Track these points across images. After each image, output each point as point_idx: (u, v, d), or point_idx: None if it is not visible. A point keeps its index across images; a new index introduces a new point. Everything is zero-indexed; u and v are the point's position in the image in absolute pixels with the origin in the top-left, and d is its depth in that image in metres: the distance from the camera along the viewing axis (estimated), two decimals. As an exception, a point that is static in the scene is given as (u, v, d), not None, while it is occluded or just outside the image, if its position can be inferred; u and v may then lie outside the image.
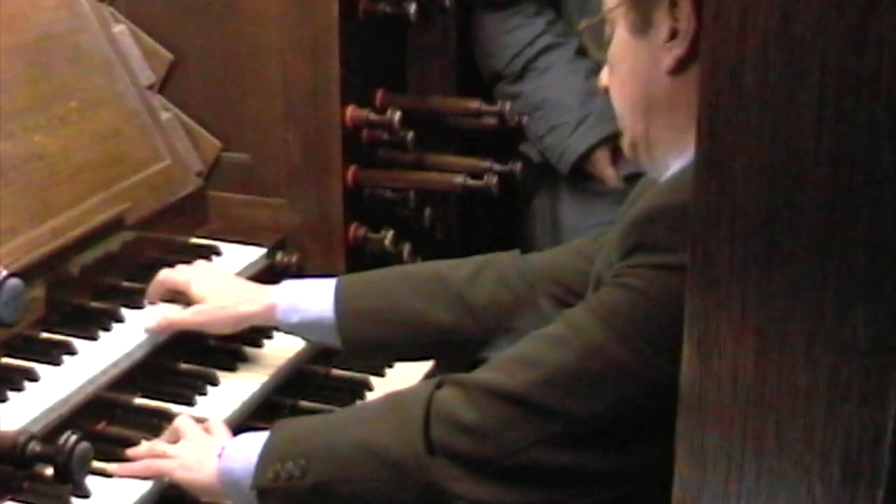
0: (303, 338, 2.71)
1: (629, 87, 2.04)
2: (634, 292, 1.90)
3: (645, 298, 1.88)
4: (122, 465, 2.35)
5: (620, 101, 2.08)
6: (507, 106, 3.07)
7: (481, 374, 2.07)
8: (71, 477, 1.61)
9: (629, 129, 2.07)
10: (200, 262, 2.82)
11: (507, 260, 2.55)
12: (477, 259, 2.58)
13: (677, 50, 1.92)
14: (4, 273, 1.46)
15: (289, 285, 2.65)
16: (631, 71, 2.02)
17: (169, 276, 2.72)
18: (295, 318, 2.60)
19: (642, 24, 1.97)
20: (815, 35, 0.94)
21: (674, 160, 2.00)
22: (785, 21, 0.97)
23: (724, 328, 1.07)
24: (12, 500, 2.19)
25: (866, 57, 0.92)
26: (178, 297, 2.72)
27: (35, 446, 1.58)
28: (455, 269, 2.56)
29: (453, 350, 2.57)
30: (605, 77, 2.12)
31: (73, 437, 1.61)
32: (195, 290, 2.67)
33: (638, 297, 1.89)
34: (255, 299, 2.63)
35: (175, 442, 2.38)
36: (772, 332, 1.01)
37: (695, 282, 1.09)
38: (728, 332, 1.06)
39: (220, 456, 2.25)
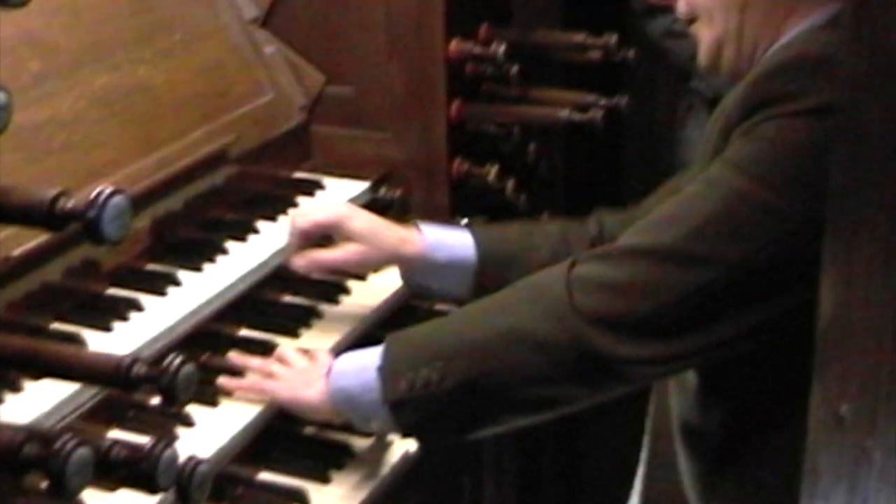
0: (430, 288, 2.60)
1: None
2: (767, 141, 1.93)
3: (780, 144, 1.91)
4: (231, 379, 2.37)
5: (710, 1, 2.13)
6: (612, 39, 3.02)
7: (623, 241, 2.07)
8: (175, 399, 1.60)
9: (718, 27, 2.13)
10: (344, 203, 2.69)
11: None
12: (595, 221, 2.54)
13: None
14: (109, 190, 1.45)
15: (426, 226, 2.54)
16: None
17: (317, 213, 2.59)
18: (443, 255, 2.47)
19: None
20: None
21: (762, 52, 2.08)
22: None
23: (867, 263, 1.00)
24: (119, 428, 2.21)
25: None
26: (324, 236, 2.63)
27: (140, 368, 1.57)
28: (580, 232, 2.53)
29: None
30: None
31: (178, 359, 1.60)
32: (353, 225, 2.50)
33: (772, 145, 1.92)
34: (410, 239, 2.50)
35: (282, 367, 2.40)
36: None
37: (833, 217, 1.02)
38: (872, 268, 0.99)
39: (327, 374, 2.25)
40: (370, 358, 2.19)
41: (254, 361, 2.42)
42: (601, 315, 2.00)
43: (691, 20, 2.20)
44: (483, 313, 2.15)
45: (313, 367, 2.33)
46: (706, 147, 2.10)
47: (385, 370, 2.14)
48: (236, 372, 2.41)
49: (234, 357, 2.43)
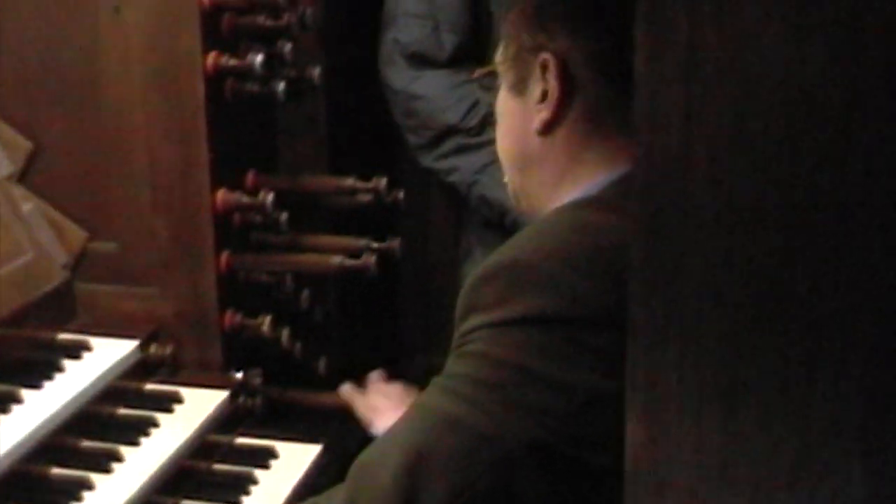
0: None
1: (507, 141, 2.09)
2: (475, 357, 1.83)
3: (487, 360, 1.82)
4: None
5: (501, 153, 2.12)
6: (382, 182, 3.00)
7: (348, 483, 1.93)
8: None
9: (510, 181, 2.12)
10: None
11: None
12: None
13: (543, 113, 1.96)
14: None
15: None
16: (509, 126, 2.07)
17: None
18: None
19: (519, 84, 2.01)
20: (780, 143, 0.84)
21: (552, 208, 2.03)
22: (741, 124, 0.87)
23: (675, 468, 0.95)
24: None
25: (847, 170, 0.81)
26: None
27: None
28: None
29: None
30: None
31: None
32: None
33: (480, 362, 1.82)
34: None
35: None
36: (739, 480, 0.90)
37: (637, 411, 0.97)
38: (679, 473, 0.94)
39: None
40: None
41: None
42: None
43: None
44: None
45: None
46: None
47: None
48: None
49: None
